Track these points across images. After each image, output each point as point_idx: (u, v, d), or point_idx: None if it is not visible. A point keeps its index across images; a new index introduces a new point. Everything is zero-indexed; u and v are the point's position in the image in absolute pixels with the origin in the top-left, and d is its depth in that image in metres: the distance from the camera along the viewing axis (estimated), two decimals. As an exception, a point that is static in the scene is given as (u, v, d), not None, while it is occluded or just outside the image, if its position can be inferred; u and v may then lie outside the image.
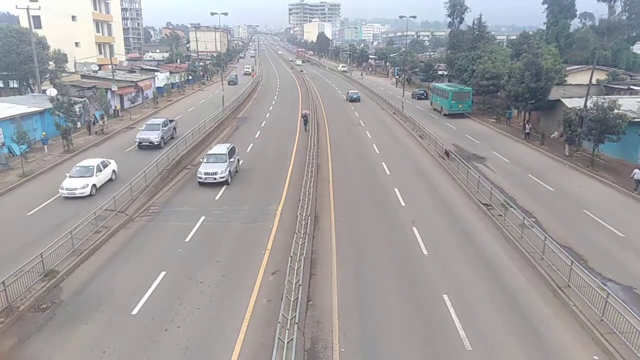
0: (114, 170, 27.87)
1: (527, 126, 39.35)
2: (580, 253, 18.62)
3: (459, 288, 16.03)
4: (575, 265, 15.43)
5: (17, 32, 47.96)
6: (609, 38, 53.49)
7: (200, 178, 26.62)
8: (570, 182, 27.83)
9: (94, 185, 25.31)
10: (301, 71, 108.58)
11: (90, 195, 24.66)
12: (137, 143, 34.39)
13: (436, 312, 14.67)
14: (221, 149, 28.79)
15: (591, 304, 14.22)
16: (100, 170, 26.27)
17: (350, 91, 68.51)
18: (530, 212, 22.79)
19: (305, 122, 42.81)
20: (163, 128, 35.79)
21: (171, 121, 38.58)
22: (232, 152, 28.68)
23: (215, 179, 26.43)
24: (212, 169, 26.67)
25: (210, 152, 28.80)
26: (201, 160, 28.52)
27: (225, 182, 26.69)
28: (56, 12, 61.37)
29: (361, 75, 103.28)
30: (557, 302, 15.18)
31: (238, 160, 29.91)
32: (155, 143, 34.05)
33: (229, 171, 27.13)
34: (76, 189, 24.42)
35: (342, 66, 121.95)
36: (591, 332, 13.49)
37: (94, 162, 26.59)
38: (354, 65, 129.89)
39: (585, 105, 31.17)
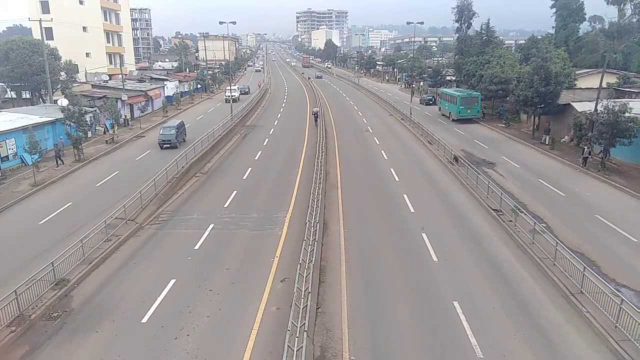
0: None
1: (585, 149, 30.74)
2: (592, 259, 18.34)
3: (470, 295, 15.86)
4: (588, 271, 15.20)
5: (29, 44, 48.78)
6: (619, 41, 53.13)
7: None
8: (582, 186, 27.51)
9: None
10: (308, 78, 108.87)
11: None
12: None
13: (447, 320, 14.51)
14: None
15: (605, 311, 13.97)
16: None
17: (316, 73, 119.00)
18: (541, 217, 22.54)
19: (316, 118, 47.18)
20: None
21: None
22: None
23: None
24: None
25: None
26: None
27: None
28: (68, 24, 62.35)
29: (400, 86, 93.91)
30: (569, 309, 14.95)
31: None
32: None
33: None
34: None
35: (328, 64, 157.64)
36: (605, 339, 13.24)
37: None
38: (363, 72, 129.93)
39: (596, 109, 30.86)
